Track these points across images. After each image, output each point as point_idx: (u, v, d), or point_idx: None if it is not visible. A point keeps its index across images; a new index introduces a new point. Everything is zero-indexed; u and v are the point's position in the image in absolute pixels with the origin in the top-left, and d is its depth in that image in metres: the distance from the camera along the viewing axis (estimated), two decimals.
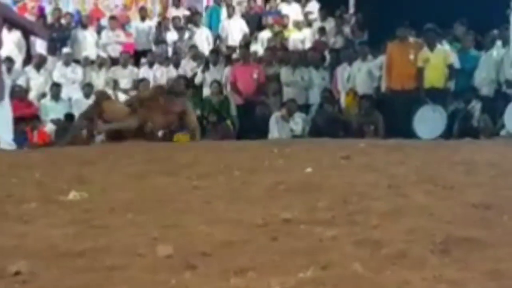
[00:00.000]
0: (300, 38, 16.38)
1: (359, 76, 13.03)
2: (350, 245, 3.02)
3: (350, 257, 2.81)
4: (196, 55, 15.51)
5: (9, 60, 13.44)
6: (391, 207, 3.68)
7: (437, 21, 11.73)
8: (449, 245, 2.97)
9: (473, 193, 4.03)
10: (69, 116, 13.45)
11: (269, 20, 17.34)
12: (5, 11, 8.47)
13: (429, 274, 2.62)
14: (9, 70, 13.20)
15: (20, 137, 11.62)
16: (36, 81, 14.86)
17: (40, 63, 15.06)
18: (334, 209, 3.70)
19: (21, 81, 14.54)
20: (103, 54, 15.91)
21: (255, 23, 17.51)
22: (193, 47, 15.84)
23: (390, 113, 11.69)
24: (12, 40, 13.69)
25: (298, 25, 16.89)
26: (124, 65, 15.29)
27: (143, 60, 15.90)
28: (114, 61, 15.72)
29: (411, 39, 12.08)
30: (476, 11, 13.00)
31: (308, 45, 15.85)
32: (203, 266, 2.78)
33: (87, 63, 15.52)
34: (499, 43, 11.69)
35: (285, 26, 16.88)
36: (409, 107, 11.12)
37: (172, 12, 17.99)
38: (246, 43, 16.09)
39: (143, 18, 17.13)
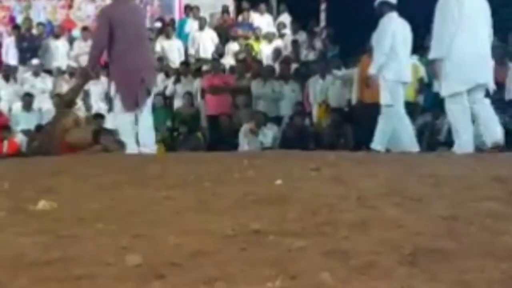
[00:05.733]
0: (271, 50, 16.43)
1: (332, 88, 13.09)
2: (319, 255, 3.04)
3: (319, 268, 2.82)
4: (166, 67, 15.52)
5: None
6: (360, 219, 3.69)
7: None
8: (417, 257, 2.99)
9: (440, 205, 4.05)
10: (40, 128, 13.41)
11: (238, 32, 17.38)
12: None
13: (397, 285, 2.64)
14: None
15: None
16: (5, 91, 14.80)
17: (8, 74, 15.00)
18: (303, 220, 3.71)
19: None
20: (75, 65, 15.85)
21: (226, 35, 17.57)
22: (162, 59, 15.85)
23: (360, 126, 11.75)
24: None
25: (269, 37, 16.94)
26: (96, 76, 15.24)
27: None
28: None
29: None
30: None
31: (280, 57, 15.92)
32: (172, 276, 2.78)
33: (58, 73, 15.46)
34: None
35: (257, 38, 16.94)
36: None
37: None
38: (219, 55, 16.15)
39: None
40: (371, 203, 4.14)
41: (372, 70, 9.42)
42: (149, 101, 8.88)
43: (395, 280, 2.69)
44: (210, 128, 13.96)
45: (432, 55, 8.32)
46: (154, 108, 14.04)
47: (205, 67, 15.70)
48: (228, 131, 13.30)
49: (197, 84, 14.72)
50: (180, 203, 4.31)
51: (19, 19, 17.92)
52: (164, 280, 2.73)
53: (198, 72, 15.36)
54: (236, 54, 16.22)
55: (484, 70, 8.21)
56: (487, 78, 8.25)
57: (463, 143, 8.02)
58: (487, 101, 8.29)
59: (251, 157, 6.64)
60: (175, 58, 16.46)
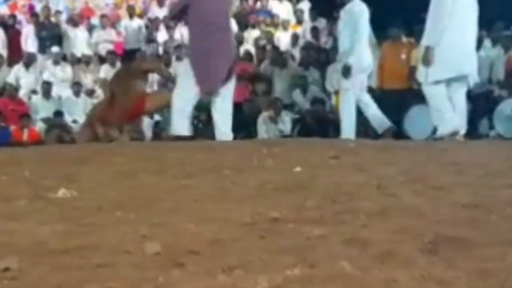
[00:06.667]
0: (289, 37, 16.34)
1: None
2: (338, 244, 3.03)
3: (338, 256, 2.81)
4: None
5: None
6: (380, 207, 3.68)
7: None
8: (438, 245, 2.97)
9: (461, 193, 4.04)
10: (58, 114, 13.49)
11: (258, 18, 17.29)
12: None
13: (417, 273, 2.62)
14: None
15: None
16: (25, 80, 14.84)
17: (29, 62, 15.05)
18: (323, 208, 3.70)
19: (10, 79, 14.54)
20: (91, 53, 15.89)
21: (245, 22, 17.49)
22: (181, 46, 15.82)
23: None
24: None
25: (287, 24, 16.85)
26: (112, 64, 15.23)
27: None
28: (104, 60, 15.70)
29: (404, 39, 12.08)
30: None
31: (299, 44, 15.84)
32: (191, 264, 2.78)
33: (76, 61, 15.50)
34: (486, 43, 11.75)
35: (276, 25, 16.85)
36: (400, 106, 11.13)
37: (155, 11, 17.89)
38: (238, 42, 16.09)
39: (131, 16, 17.01)
40: (391, 191, 4.13)
41: (350, 60, 9.48)
42: (227, 89, 8.86)
43: (415, 269, 2.68)
44: None
45: (425, 42, 8.36)
46: None
47: None
48: (247, 118, 13.26)
49: None
50: (199, 191, 4.32)
51: (38, 7, 17.92)
52: (183, 268, 2.73)
53: None
54: (256, 40, 16.14)
55: (469, 62, 8.29)
56: (471, 70, 8.34)
57: (448, 120, 8.13)
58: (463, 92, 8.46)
59: (270, 145, 6.64)
60: None
